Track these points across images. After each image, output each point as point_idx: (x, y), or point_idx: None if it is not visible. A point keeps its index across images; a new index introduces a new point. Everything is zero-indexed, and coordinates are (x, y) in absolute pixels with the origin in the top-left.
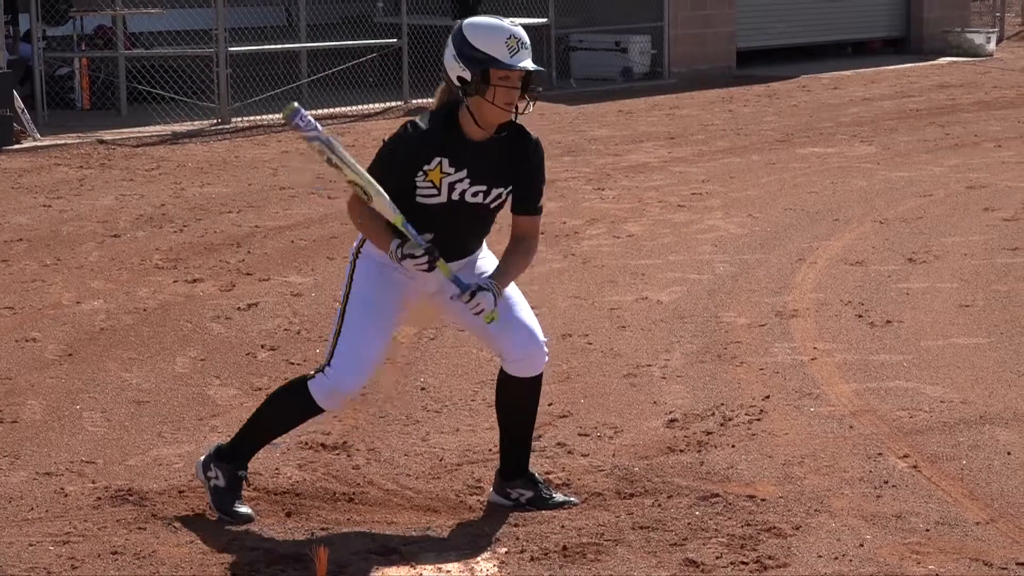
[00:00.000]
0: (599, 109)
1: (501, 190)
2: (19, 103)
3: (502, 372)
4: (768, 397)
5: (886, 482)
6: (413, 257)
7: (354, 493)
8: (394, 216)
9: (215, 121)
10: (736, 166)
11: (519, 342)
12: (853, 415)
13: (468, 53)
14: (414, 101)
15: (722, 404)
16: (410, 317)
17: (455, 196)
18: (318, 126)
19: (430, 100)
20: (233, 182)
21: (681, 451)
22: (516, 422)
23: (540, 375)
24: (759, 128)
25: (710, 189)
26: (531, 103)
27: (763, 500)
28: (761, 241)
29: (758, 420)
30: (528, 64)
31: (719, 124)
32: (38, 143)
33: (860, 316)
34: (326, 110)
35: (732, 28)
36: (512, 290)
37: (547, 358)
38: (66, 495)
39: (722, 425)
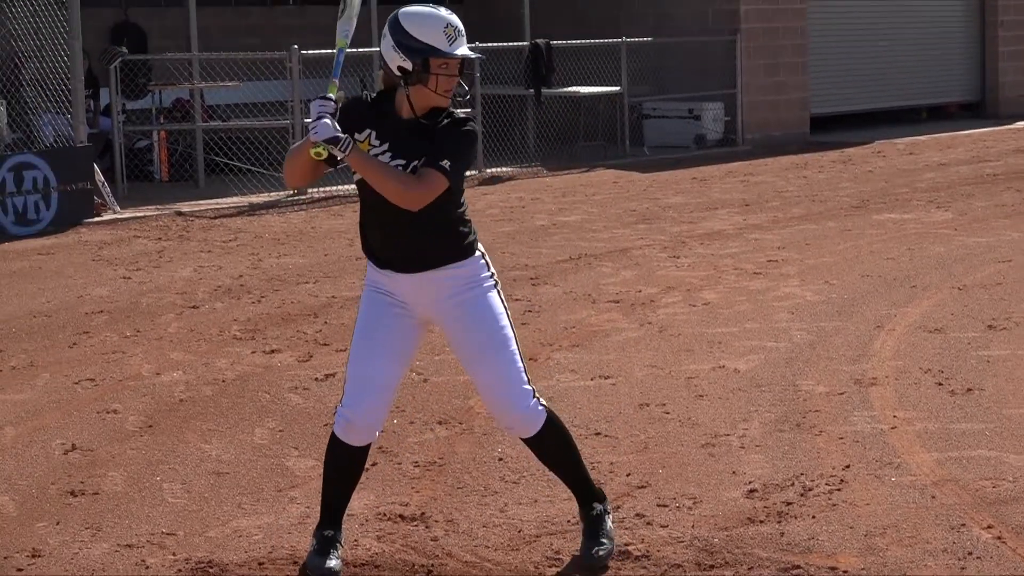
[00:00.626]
0: (673, 177)
1: (418, 163)
2: (99, 176)
3: None
4: (848, 466)
5: (970, 553)
6: (322, 98)
7: (432, 565)
8: (343, 40)
9: (291, 192)
10: (812, 233)
11: (499, 418)
12: (935, 485)
13: (407, 43)
14: (488, 170)
15: (802, 474)
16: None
17: None
18: None
19: (505, 169)
20: (310, 252)
21: (761, 522)
22: (557, 467)
23: (544, 427)
24: (834, 194)
25: (786, 256)
26: (468, 88)
27: (845, 572)
28: (838, 308)
29: (839, 490)
30: (466, 51)
31: (794, 191)
32: (118, 215)
33: (940, 384)
34: None
35: (805, 94)
36: (498, 351)
37: (540, 418)
38: (147, 567)
39: (802, 495)
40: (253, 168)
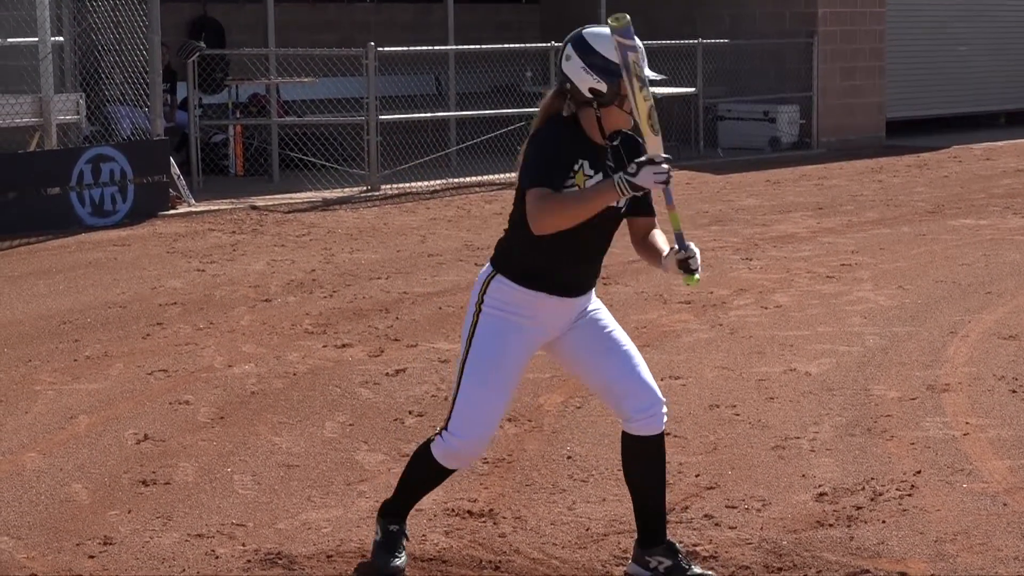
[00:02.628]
0: (747, 179)
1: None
2: (175, 169)
3: (625, 435)
4: (919, 472)
5: None
6: (653, 163)
7: (500, 561)
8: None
9: (365, 188)
10: (886, 237)
11: (641, 400)
12: (1007, 492)
13: (600, 64)
14: None
15: (872, 478)
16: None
17: None
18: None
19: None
20: (382, 248)
21: (830, 525)
22: (646, 486)
23: (663, 434)
24: (909, 199)
25: (859, 260)
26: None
27: None
28: (912, 314)
29: (909, 496)
30: (651, 73)
31: (868, 195)
32: (193, 208)
33: (1014, 391)
34: (475, 177)
35: (881, 98)
36: (630, 347)
37: (665, 419)
38: (217, 557)
39: (872, 500)
40: (327, 164)
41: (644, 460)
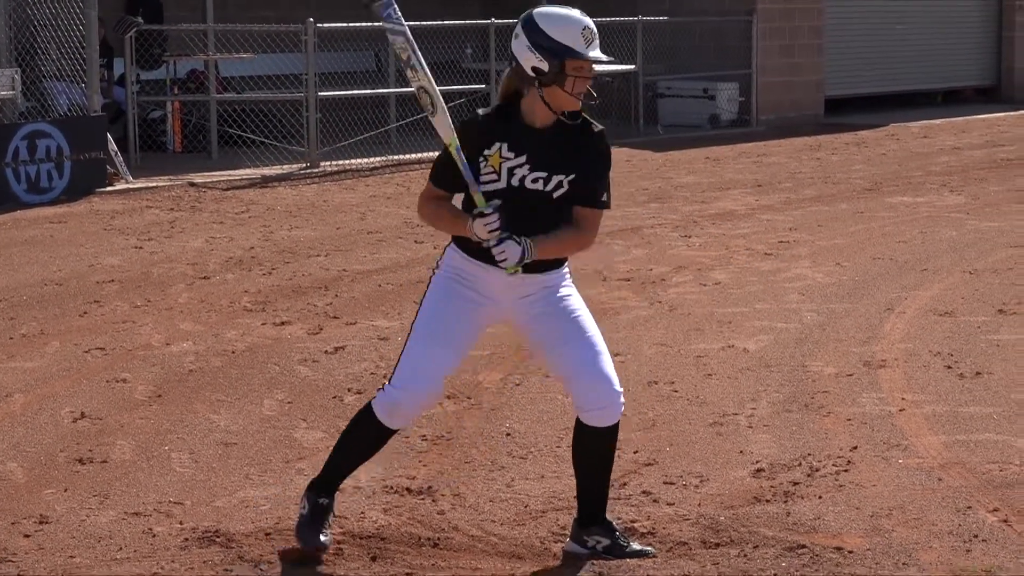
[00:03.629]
0: (686, 156)
1: (562, 177)
2: (112, 146)
3: (578, 421)
4: (856, 448)
5: (975, 536)
6: (483, 216)
7: (439, 538)
8: (451, 137)
9: (304, 165)
10: (824, 214)
11: (596, 393)
12: (942, 467)
13: (544, 44)
14: None
15: (809, 454)
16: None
17: (515, 182)
18: (405, 24)
19: None
20: (321, 226)
21: (768, 501)
22: (593, 471)
23: (617, 424)
24: (847, 176)
25: (797, 237)
26: (596, 93)
27: (851, 552)
28: (849, 290)
29: (845, 471)
30: (599, 55)
31: (807, 172)
32: (130, 185)
33: (949, 367)
34: (415, 155)
35: (821, 76)
36: (593, 335)
37: (623, 408)
38: (154, 535)
39: (809, 475)
40: (266, 140)
41: (594, 448)
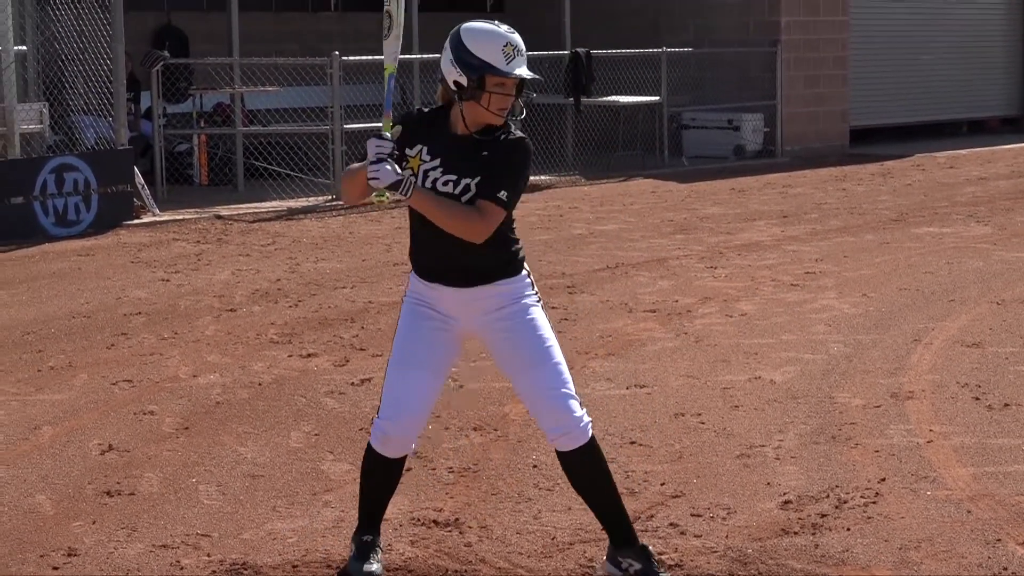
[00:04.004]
0: (711, 187)
1: (469, 181)
2: (139, 179)
3: (555, 449)
4: (884, 480)
5: (1005, 568)
6: (380, 137)
7: (466, 571)
8: (391, 65)
9: (330, 197)
10: (850, 245)
11: (556, 420)
12: (971, 499)
13: (465, 59)
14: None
15: (837, 486)
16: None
17: (428, 184)
18: None
19: (544, 177)
20: (347, 258)
21: (795, 533)
22: (591, 492)
23: (586, 447)
24: (873, 207)
25: (824, 268)
26: (523, 108)
27: None
28: (876, 321)
29: (874, 503)
30: (523, 72)
31: (832, 203)
32: (157, 218)
33: (977, 399)
34: None
35: (845, 106)
36: (555, 360)
37: (589, 431)
38: (182, 568)
39: (837, 508)
40: (292, 173)
41: (574, 471)
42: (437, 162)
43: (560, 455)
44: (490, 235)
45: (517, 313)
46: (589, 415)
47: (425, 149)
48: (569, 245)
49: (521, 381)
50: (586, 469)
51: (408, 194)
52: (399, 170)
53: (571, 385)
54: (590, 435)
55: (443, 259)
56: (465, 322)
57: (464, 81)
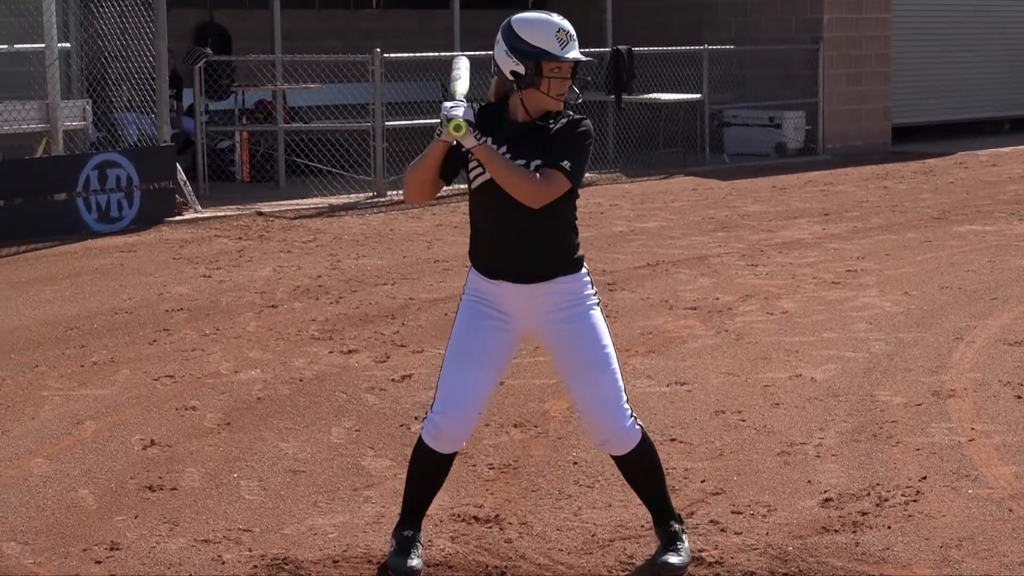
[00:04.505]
0: (752, 185)
1: (538, 162)
2: (181, 175)
3: None
4: (925, 478)
5: None
6: (449, 99)
7: (506, 567)
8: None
9: (371, 194)
10: (891, 243)
11: (603, 428)
12: (1012, 498)
13: (520, 47)
14: None
15: (878, 484)
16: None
17: None
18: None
19: (585, 174)
20: (388, 254)
21: (836, 531)
22: (638, 487)
23: (637, 449)
24: (915, 205)
25: (865, 266)
26: (580, 92)
27: None
28: (917, 319)
29: (915, 501)
30: (577, 55)
31: (874, 201)
32: (199, 215)
33: (1019, 397)
34: None
35: (888, 104)
36: (609, 366)
37: (638, 435)
38: (223, 563)
39: (878, 506)
40: (333, 170)
41: (629, 470)
42: (504, 149)
43: (613, 457)
44: (550, 200)
45: (578, 317)
46: (636, 414)
47: (490, 140)
48: (610, 242)
49: (577, 385)
50: (638, 468)
51: (480, 139)
52: (470, 117)
53: (624, 395)
54: (638, 439)
55: (509, 254)
56: (525, 320)
57: (521, 70)
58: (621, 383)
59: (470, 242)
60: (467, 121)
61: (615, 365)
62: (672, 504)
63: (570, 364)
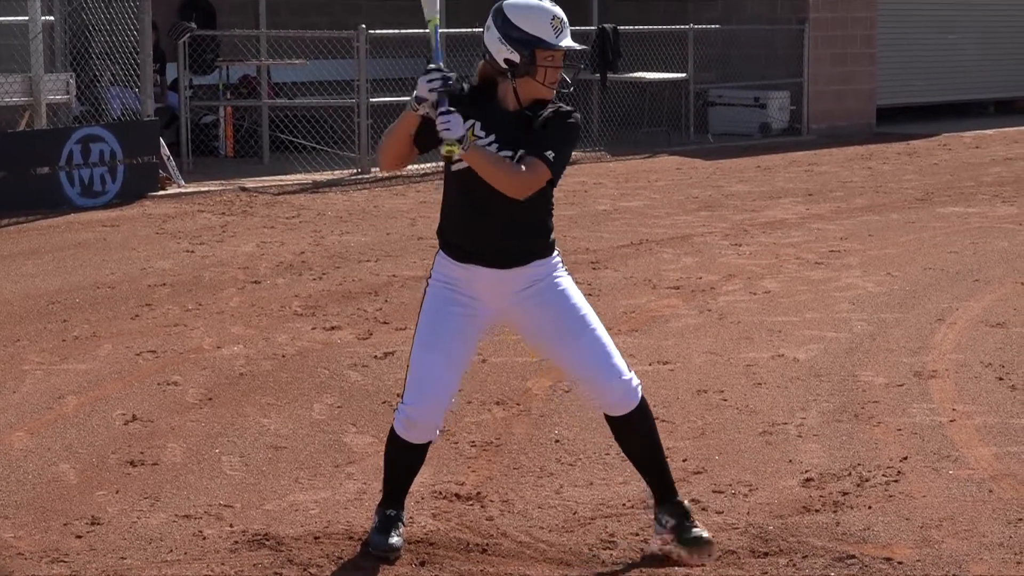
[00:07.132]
0: (737, 164)
1: (524, 152)
2: (165, 150)
3: (605, 414)
4: (906, 458)
5: None
6: (426, 73)
7: (487, 544)
8: (434, 16)
9: (355, 171)
10: (875, 224)
11: (611, 389)
12: (993, 479)
13: (515, 36)
14: None
15: (859, 464)
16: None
17: None
18: None
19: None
20: (372, 231)
21: (817, 511)
22: (633, 453)
23: (636, 409)
24: (898, 186)
25: (848, 247)
26: (570, 81)
27: (900, 563)
28: (900, 300)
29: (895, 481)
30: (571, 43)
31: (858, 181)
32: (182, 189)
33: (1000, 379)
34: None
35: (872, 85)
36: (596, 328)
37: (639, 393)
38: (204, 538)
39: (859, 486)
40: (317, 146)
41: (623, 433)
42: (492, 138)
43: (610, 419)
44: (534, 191)
45: (548, 287)
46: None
47: (478, 125)
48: (594, 221)
49: (561, 353)
50: (630, 431)
51: (467, 149)
52: (463, 122)
53: (613, 349)
54: (640, 396)
55: (483, 240)
56: (493, 304)
57: (516, 58)
58: (608, 343)
59: (441, 220)
60: (457, 140)
61: (595, 326)
62: (673, 482)
63: (549, 333)
